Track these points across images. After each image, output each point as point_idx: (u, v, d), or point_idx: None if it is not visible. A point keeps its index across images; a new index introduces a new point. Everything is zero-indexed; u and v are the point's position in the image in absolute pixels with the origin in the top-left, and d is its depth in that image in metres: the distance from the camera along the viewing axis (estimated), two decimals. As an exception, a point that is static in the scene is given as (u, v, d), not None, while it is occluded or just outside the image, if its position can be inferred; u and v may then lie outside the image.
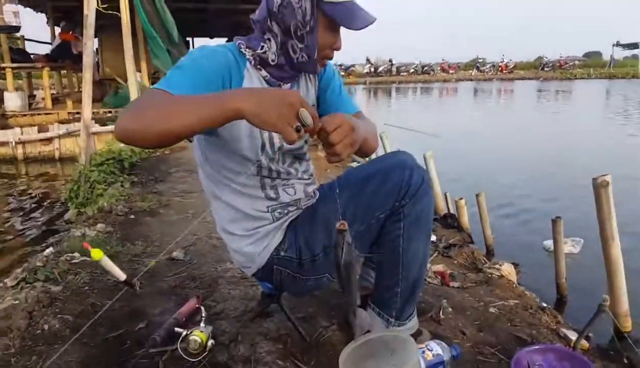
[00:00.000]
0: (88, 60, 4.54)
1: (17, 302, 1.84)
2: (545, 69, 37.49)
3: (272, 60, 1.25)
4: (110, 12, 5.31)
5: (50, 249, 2.51)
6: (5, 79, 8.46)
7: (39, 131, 7.31)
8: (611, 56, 39.27)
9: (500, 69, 36.91)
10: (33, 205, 5.24)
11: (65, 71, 10.88)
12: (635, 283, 2.56)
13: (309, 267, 1.39)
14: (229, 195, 1.36)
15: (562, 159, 7.51)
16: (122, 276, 1.77)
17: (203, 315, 1.60)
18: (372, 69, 35.41)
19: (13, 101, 8.12)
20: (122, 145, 5.71)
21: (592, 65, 38.59)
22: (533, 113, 15.03)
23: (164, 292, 2.04)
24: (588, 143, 9.02)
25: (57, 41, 9.77)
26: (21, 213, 4.97)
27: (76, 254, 2.37)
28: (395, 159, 1.37)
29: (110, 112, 8.11)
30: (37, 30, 12.18)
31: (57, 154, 7.32)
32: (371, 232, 1.37)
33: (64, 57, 9.40)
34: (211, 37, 19.43)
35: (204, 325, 1.55)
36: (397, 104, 20.52)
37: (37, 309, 1.81)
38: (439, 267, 2.46)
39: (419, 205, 1.32)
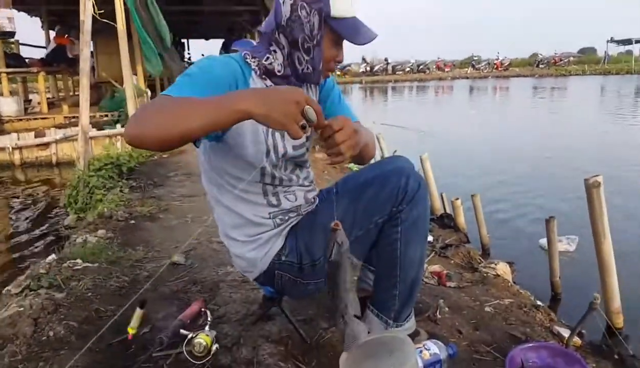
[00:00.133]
0: (85, 66, 4.56)
1: (22, 309, 1.86)
2: (540, 66, 37.62)
3: (278, 71, 1.30)
4: (106, 20, 5.32)
5: (53, 256, 2.53)
6: (0, 83, 8.45)
7: (36, 136, 7.31)
8: (605, 52, 39.42)
9: (495, 66, 37.01)
10: (32, 211, 5.25)
11: (60, 75, 10.87)
12: (628, 281, 2.62)
13: (309, 271, 1.43)
14: (232, 201, 1.39)
15: (558, 157, 7.56)
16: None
17: (209, 319, 1.63)
18: (368, 68, 35.48)
19: (9, 106, 8.12)
20: (119, 150, 5.75)
21: (586, 61, 38.73)
22: (528, 111, 15.10)
23: (166, 297, 2.07)
24: (583, 141, 9.08)
25: (52, 45, 9.75)
26: (20, 219, 4.99)
27: (79, 260, 2.40)
28: (392, 165, 1.42)
29: (106, 115, 8.11)
30: (31, 34, 12.18)
31: (54, 159, 7.32)
32: (370, 236, 1.42)
33: (59, 61, 9.39)
34: (207, 39, 19.45)
35: (208, 329, 1.58)
36: (394, 103, 20.58)
37: (42, 316, 1.84)
38: (436, 267, 2.50)
39: (415, 211, 1.37)
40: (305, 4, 1.22)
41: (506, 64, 37.32)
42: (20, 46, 11.04)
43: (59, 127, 7.66)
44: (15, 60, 9.09)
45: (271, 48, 1.30)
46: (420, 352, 1.48)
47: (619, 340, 2.02)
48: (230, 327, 1.75)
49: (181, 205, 3.62)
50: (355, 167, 5.38)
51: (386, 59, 36.48)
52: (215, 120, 1.00)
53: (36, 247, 4.00)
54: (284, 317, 1.69)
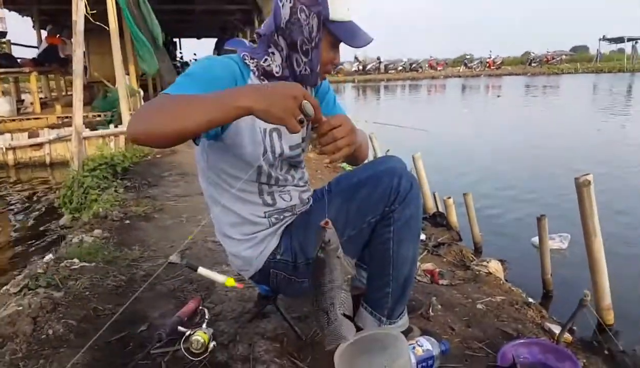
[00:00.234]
0: (78, 67, 4.56)
1: (21, 308, 1.88)
2: (533, 64, 37.77)
3: (277, 72, 1.33)
4: (99, 23, 5.31)
5: (50, 256, 2.55)
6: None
7: (29, 136, 7.28)
8: (597, 50, 39.65)
9: (487, 65, 37.13)
10: (26, 211, 5.24)
11: (52, 75, 10.82)
12: (619, 278, 2.66)
13: (304, 270, 1.45)
14: (229, 200, 1.42)
15: (550, 155, 7.63)
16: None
17: (206, 317, 1.66)
18: (361, 67, 35.48)
19: (1, 106, 8.07)
20: (113, 150, 5.74)
21: (579, 59, 38.91)
22: (521, 109, 15.18)
23: (163, 295, 2.10)
24: (576, 140, 9.14)
25: (44, 45, 9.70)
26: (14, 220, 4.98)
27: (75, 260, 2.41)
28: (385, 166, 1.45)
29: (99, 115, 8.09)
30: (22, 34, 12.11)
31: (48, 160, 7.29)
32: (363, 236, 1.44)
33: (51, 61, 9.33)
34: (198, 38, 19.42)
35: (205, 327, 1.61)
36: (386, 101, 20.63)
37: (41, 315, 1.85)
38: (429, 266, 2.54)
39: (408, 210, 1.39)
40: (304, 7, 1.25)
41: (498, 63, 37.45)
42: (12, 46, 10.96)
43: (52, 127, 7.63)
44: (6, 60, 9.03)
45: (269, 50, 1.32)
46: (413, 348, 1.51)
47: (609, 336, 2.06)
48: (227, 325, 1.78)
49: (176, 205, 3.63)
50: (348, 167, 5.42)
51: (378, 58, 36.50)
52: (216, 116, 1.02)
53: (32, 247, 4.00)
54: (279, 315, 1.72)
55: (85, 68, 10.17)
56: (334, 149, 1.13)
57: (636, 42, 36.43)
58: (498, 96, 20.76)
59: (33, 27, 11.59)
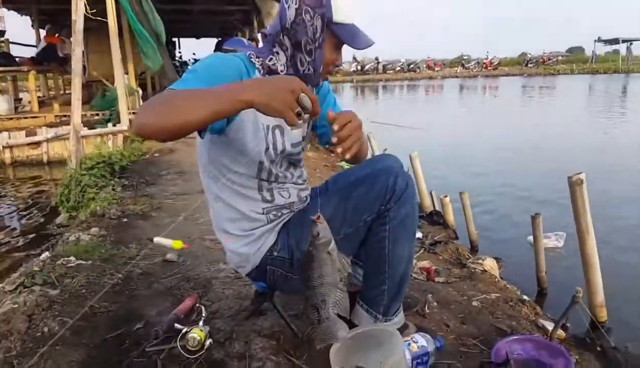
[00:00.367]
0: (77, 66, 4.56)
1: (16, 305, 1.88)
2: (529, 65, 37.90)
3: (281, 71, 1.36)
4: (98, 18, 5.30)
5: (46, 253, 2.55)
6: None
7: (27, 135, 7.27)
8: (593, 52, 39.82)
9: (485, 65, 37.22)
10: (23, 210, 5.24)
11: (50, 74, 10.81)
12: (612, 275, 2.69)
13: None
14: (230, 195, 1.43)
15: (547, 155, 7.66)
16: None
17: (203, 314, 1.67)
18: (359, 67, 35.53)
19: (-1, 105, 8.09)
20: (111, 148, 5.74)
21: (574, 60, 39.08)
22: (517, 109, 15.24)
23: (159, 293, 2.10)
24: (572, 139, 9.18)
25: (43, 44, 9.70)
26: (12, 218, 4.98)
27: (72, 258, 2.42)
28: (381, 164, 1.46)
29: (97, 114, 8.09)
30: (21, 33, 12.10)
31: (45, 158, 7.29)
32: (359, 234, 1.46)
33: (50, 59, 9.34)
34: (197, 38, 19.39)
35: (202, 324, 1.62)
36: (385, 101, 20.67)
37: (36, 312, 1.86)
38: (425, 263, 2.55)
39: (403, 209, 1.41)
40: (309, 9, 1.29)
41: (495, 63, 37.56)
42: (10, 45, 10.95)
43: (50, 125, 7.63)
44: (5, 59, 9.04)
45: (274, 49, 1.36)
46: (409, 344, 1.52)
47: (602, 333, 2.08)
48: (223, 322, 1.78)
49: (174, 204, 3.64)
50: (346, 165, 5.43)
51: (377, 58, 36.55)
52: (219, 109, 1.04)
53: (28, 245, 4.00)
54: (276, 312, 1.73)
55: (84, 67, 10.19)
56: (351, 143, 1.16)
57: (631, 44, 36.70)
58: (495, 96, 20.82)
59: (32, 26, 11.57)
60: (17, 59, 9.48)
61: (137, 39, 7.22)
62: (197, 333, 1.55)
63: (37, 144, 7.25)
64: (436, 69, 37.37)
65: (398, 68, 36.65)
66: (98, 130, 6.92)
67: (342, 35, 1.33)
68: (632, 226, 4.35)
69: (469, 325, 1.87)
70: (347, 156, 1.16)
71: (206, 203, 1.55)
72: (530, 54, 39.68)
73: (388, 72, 36.17)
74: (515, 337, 1.68)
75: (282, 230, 1.49)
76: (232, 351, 1.61)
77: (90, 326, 1.82)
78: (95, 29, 7.18)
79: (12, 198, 5.77)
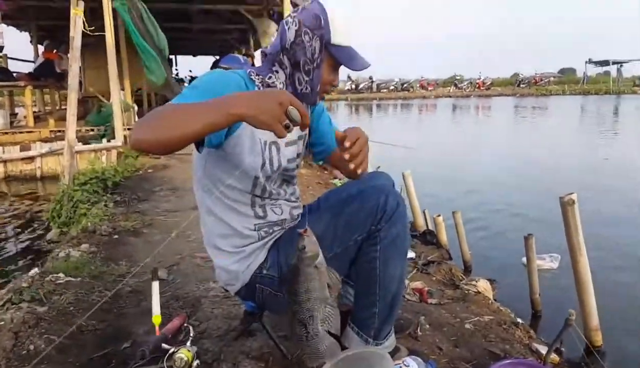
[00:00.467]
0: (74, 82, 4.57)
1: (2, 322, 1.86)
2: (522, 85, 38.38)
3: (280, 89, 1.38)
4: (96, 33, 5.33)
5: (35, 270, 2.52)
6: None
7: (21, 150, 7.24)
8: (584, 73, 40.40)
9: (477, 85, 37.66)
10: (14, 225, 5.18)
11: (47, 89, 10.82)
12: (607, 298, 2.67)
13: (290, 286, 1.45)
14: (222, 210, 1.43)
15: (542, 175, 7.68)
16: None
17: (191, 334, 1.64)
18: (353, 86, 35.86)
19: (-5, 119, 8.06)
20: (105, 164, 5.73)
21: (566, 81, 39.65)
22: (511, 129, 15.36)
23: (148, 312, 2.06)
24: (566, 159, 9.22)
25: (41, 59, 9.74)
26: (2, 233, 4.92)
27: (61, 275, 2.39)
28: (372, 183, 1.46)
29: (92, 130, 8.09)
30: (20, 49, 12.17)
31: (38, 173, 7.24)
32: (349, 253, 1.44)
33: (47, 75, 9.36)
34: (194, 55, 19.54)
35: (190, 344, 1.59)
36: (379, 119, 20.77)
37: (23, 330, 1.83)
38: (418, 284, 2.53)
39: (394, 229, 1.40)
40: (308, 30, 1.33)
41: (488, 84, 38.02)
42: (8, 60, 10.99)
43: (45, 140, 7.61)
44: (2, 74, 9.05)
45: (274, 68, 1.39)
46: None
47: (597, 358, 2.06)
48: (211, 343, 1.76)
49: (165, 220, 3.61)
50: (339, 182, 5.44)
51: (371, 77, 36.94)
52: (211, 122, 1.05)
53: (18, 261, 3.95)
54: (265, 333, 1.70)
55: (80, 83, 10.23)
56: (362, 158, 1.21)
57: (621, 66, 37.30)
58: (488, 116, 20.99)
59: (31, 42, 11.64)
60: (14, 74, 9.49)
61: (140, 54, 7.23)
62: (184, 353, 1.52)
63: (31, 158, 7.21)
64: (429, 88, 37.79)
65: (392, 87, 37.04)
66: (92, 146, 6.91)
67: (339, 56, 1.36)
68: (625, 246, 4.35)
69: (462, 349, 1.85)
70: (360, 171, 1.22)
71: (198, 220, 1.54)
72: (522, 74, 40.22)
73: (382, 91, 36.55)
74: (508, 361, 1.66)
75: (272, 248, 1.48)
76: (220, 372, 1.58)
77: (77, 344, 1.79)
78: (93, 45, 7.22)
79: (3, 214, 5.71)
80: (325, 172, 6.28)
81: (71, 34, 4.45)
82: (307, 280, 1.17)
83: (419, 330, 1.92)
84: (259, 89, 1.36)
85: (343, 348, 1.48)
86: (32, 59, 11.30)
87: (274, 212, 1.48)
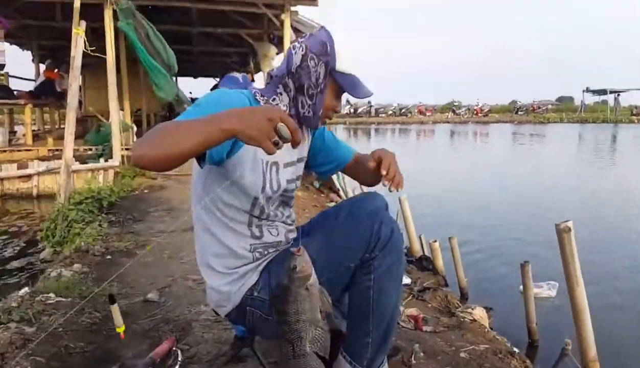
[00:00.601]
0: (73, 101, 4.59)
1: (-12, 343, 1.82)
2: (519, 112, 38.72)
3: (284, 111, 1.37)
4: (98, 54, 5.39)
5: (26, 289, 2.49)
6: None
7: (19, 168, 7.23)
8: (582, 101, 40.84)
9: (475, 112, 37.98)
10: (8, 244, 5.14)
11: (47, 108, 10.88)
12: (608, 329, 2.64)
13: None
14: (219, 228, 1.42)
15: (541, 202, 7.69)
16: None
17: (179, 359, 1.61)
18: (352, 110, 36.13)
19: (-6, 136, 8.08)
20: (101, 184, 5.72)
21: (564, 109, 40.05)
22: (509, 156, 15.43)
23: (137, 335, 2.03)
24: (564, 187, 9.26)
25: (41, 78, 9.81)
26: (-5, 251, 4.88)
27: (51, 295, 2.35)
28: (366, 208, 1.44)
29: (90, 149, 8.10)
30: (21, 67, 12.28)
31: (35, 191, 7.21)
32: (342, 279, 1.42)
33: (48, 94, 9.42)
34: (195, 77, 19.72)
35: (177, 368, 1.56)
36: (377, 143, 20.85)
37: (9, 350, 1.79)
38: (413, 311, 2.50)
39: (389, 258, 1.38)
40: (314, 56, 1.37)
41: (486, 110, 38.35)
42: (10, 78, 11.07)
43: (43, 159, 7.60)
44: (3, 92, 9.10)
45: (278, 90, 1.42)
46: (392, 396, 1.47)
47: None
48: (201, 368, 1.72)
49: (159, 242, 3.58)
50: (332, 204, 5.43)
51: (369, 102, 37.22)
52: (205, 139, 1.06)
53: (10, 280, 3.90)
54: (256, 359, 1.67)
55: (80, 102, 10.30)
56: (398, 178, 1.38)
57: (618, 95, 37.76)
58: (486, 142, 21.11)
59: (32, 60, 11.76)
60: (15, 92, 9.55)
61: (148, 72, 7.27)
62: (172, 378, 1.49)
63: (28, 177, 7.19)
64: (427, 114, 38.08)
65: (390, 112, 37.33)
66: (90, 165, 6.90)
67: (343, 83, 1.40)
68: (625, 274, 4.33)
69: (456, 377, 1.81)
70: (398, 189, 1.39)
71: (193, 239, 1.52)
72: (520, 101, 40.62)
73: (380, 115, 36.82)
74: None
75: (264, 270, 1.46)
76: (209, 399, 1.55)
77: (64, 366, 1.75)
78: (94, 65, 7.30)
79: (-1, 231, 5.67)
80: (322, 194, 6.28)
81: (72, 53, 4.49)
82: (297, 301, 1.15)
83: (412, 358, 1.89)
84: None
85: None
86: (33, 78, 11.40)
87: (270, 233, 1.47)
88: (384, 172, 1.36)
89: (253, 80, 8.96)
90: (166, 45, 7.36)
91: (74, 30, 4.56)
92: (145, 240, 3.57)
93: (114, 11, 6.94)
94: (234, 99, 1.33)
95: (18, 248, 4.93)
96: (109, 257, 3.19)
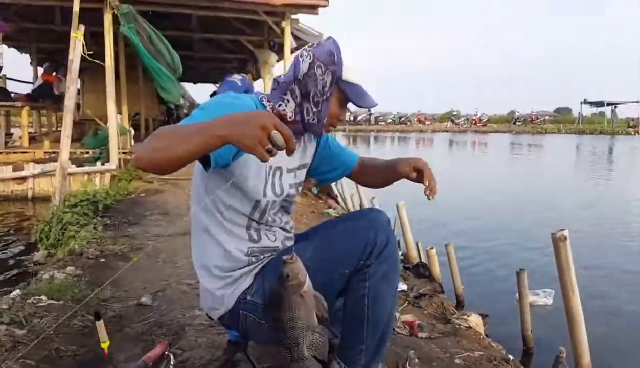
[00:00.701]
0: (70, 103, 4.57)
1: (-22, 346, 1.80)
2: (518, 123, 38.92)
3: (290, 117, 1.42)
4: (96, 61, 5.38)
5: (17, 291, 2.46)
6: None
7: (14, 170, 7.20)
8: (579, 113, 41.09)
9: (474, 121, 38.15)
10: (1, 245, 5.11)
11: (44, 110, 10.86)
12: (602, 336, 2.63)
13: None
14: (218, 230, 1.42)
15: (537, 211, 7.69)
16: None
17: (172, 363, 1.59)
18: (352, 118, 36.23)
19: (-11, 139, 8.05)
20: (97, 186, 5.69)
21: (562, 120, 40.33)
22: (507, 165, 15.47)
23: (130, 339, 2.02)
24: (560, 197, 9.28)
25: (39, 81, 9.79)
26: (-12, 254, 4.84)
27: (43, 297, 2.33)
28: (363, 218, 1.45)
29: (87, 152, 8.08)
30: (18, 69, 12.28)
31: (30, 194, 7.17)
32: (335, 285, 1.42)
33: (45, 97, 9.40)
34: (195, 83, 19.75)
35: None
36: (376, 150, 20.89)
37: (-2, 353, 1.77)
38: (408, 317, 2.49)
39: (385, 266, 1.38)
40: (321, 64, 1.40)
41: (484, 120, 38.53)
42: (7, 80, 11.05)
43: (39, 161, 7.56)
44: (0, 94, 9.08)
45: (285, 96, 1.43)
46: (386, 402, 1.46)
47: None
48: (194, 373, 1.70)
49: (154, 245, 3.56)
50: (333, 212, 5.42)
51: (369, 110, 37.36)
52: (200, 144, 1.06)
53: (1, 282, 3.86)
54: (249, 364, 1.65)
55: (78, 105, 10.29)
56: (436, 186, 1.51)
57: (615, 107, 37.99)
58: (484, 152, 21.18)
59: (30, 63, 11.75)
60: (12, 95, 9.53)
61: (153, 75, 7.25)
62: (164, 383, 1.48)
63: (23, 179, 7.16)
64: (427, 122, 38.23)
65: (389, 120, 37.48)
66: (86, 168, 6.88)
67: (348, 92, 1.43)
68: (620, 282, 4.33)
69: (451, 384, 1.80)
70: (435, 196, 1.53)
71: (188, 243, 1.51)
72: (518, 112, 40.80)
73: (380, 123, 36.96)
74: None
75: (258, 274, 1.46)
76: (201, 403, 1.53)
77: (54, 370, 1.73)
78: (92, 69, 7.27)
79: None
80: (320, 201, 6.27)
81: (70, 56, 4.48)
82: (291, 308, 1.15)
83: (407, 364, 1.88)
84: None
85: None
86: (31, 81, 11.38)
87: (268, 238, 1.47)
88: (427, 183, 1.52)
89: (253, 79, 8.94)
90: (170, 47, 7.33)
91: (72, 34, 4.55)
92: (140, 244, 3.55)
93: (114, 16, 6.94)
94: (241, 102, 1.35)
95: (11, 250, 4.89)
96: (103, 260, 3.17)
